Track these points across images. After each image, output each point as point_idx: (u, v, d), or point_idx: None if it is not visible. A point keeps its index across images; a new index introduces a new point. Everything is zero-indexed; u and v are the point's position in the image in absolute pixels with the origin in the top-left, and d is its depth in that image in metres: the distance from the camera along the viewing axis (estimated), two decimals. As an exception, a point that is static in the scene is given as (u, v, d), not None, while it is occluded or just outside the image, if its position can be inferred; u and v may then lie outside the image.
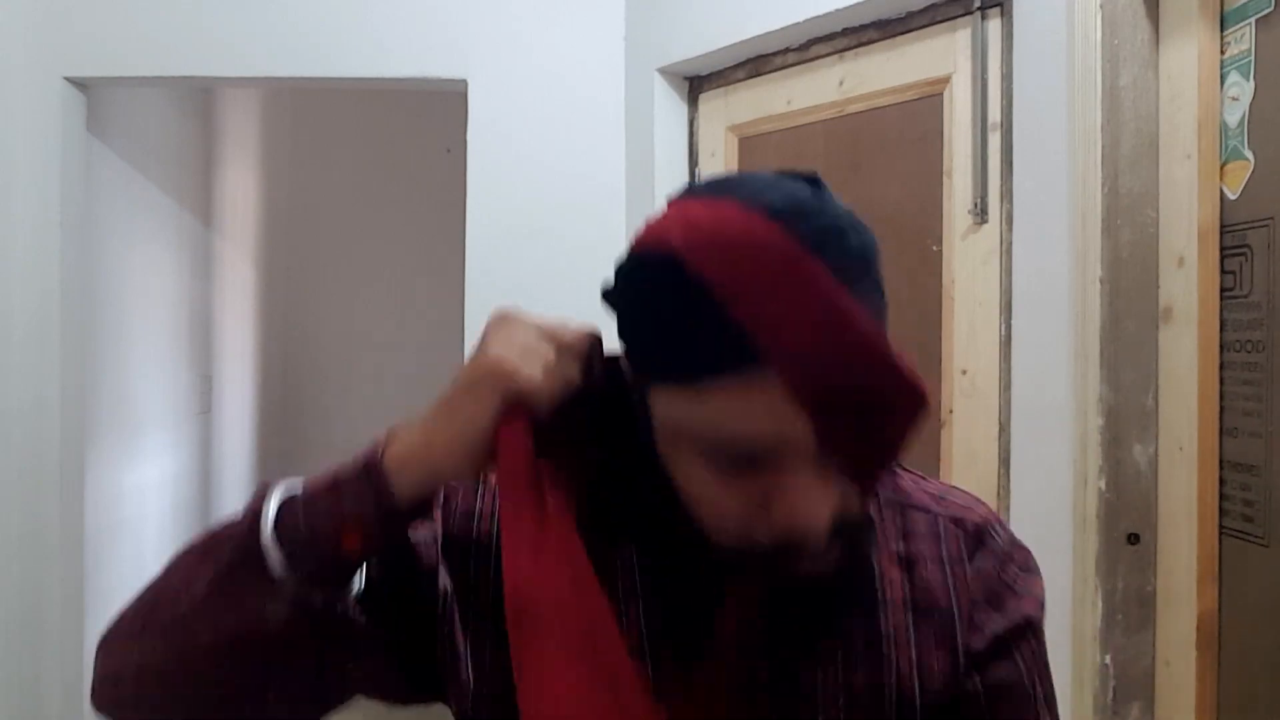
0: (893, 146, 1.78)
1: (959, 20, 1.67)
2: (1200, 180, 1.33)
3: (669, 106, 2.22)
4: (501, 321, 0.60)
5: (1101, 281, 1.38)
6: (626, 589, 0.62)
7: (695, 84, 2.22)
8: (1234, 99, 1.29)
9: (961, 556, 0.65)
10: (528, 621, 0.55)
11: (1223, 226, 1.31)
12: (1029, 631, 0.64)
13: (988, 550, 0.65)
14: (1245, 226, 1.27)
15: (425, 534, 0.66)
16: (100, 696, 0.62)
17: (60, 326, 2.35)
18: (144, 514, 3.08)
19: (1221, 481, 1.31)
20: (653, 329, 0.53)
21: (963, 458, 1.66)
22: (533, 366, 0.56)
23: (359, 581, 0.61)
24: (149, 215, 3.12)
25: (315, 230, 4.23)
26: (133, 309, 3.01)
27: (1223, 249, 1.31)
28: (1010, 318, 1.58)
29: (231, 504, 3.42)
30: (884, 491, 0.67)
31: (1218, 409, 1.31)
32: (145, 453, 3.12)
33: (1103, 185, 1.38)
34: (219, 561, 0.57)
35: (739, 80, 2.10)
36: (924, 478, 0.70)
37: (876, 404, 0.51)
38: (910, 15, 1.76)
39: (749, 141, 2.08)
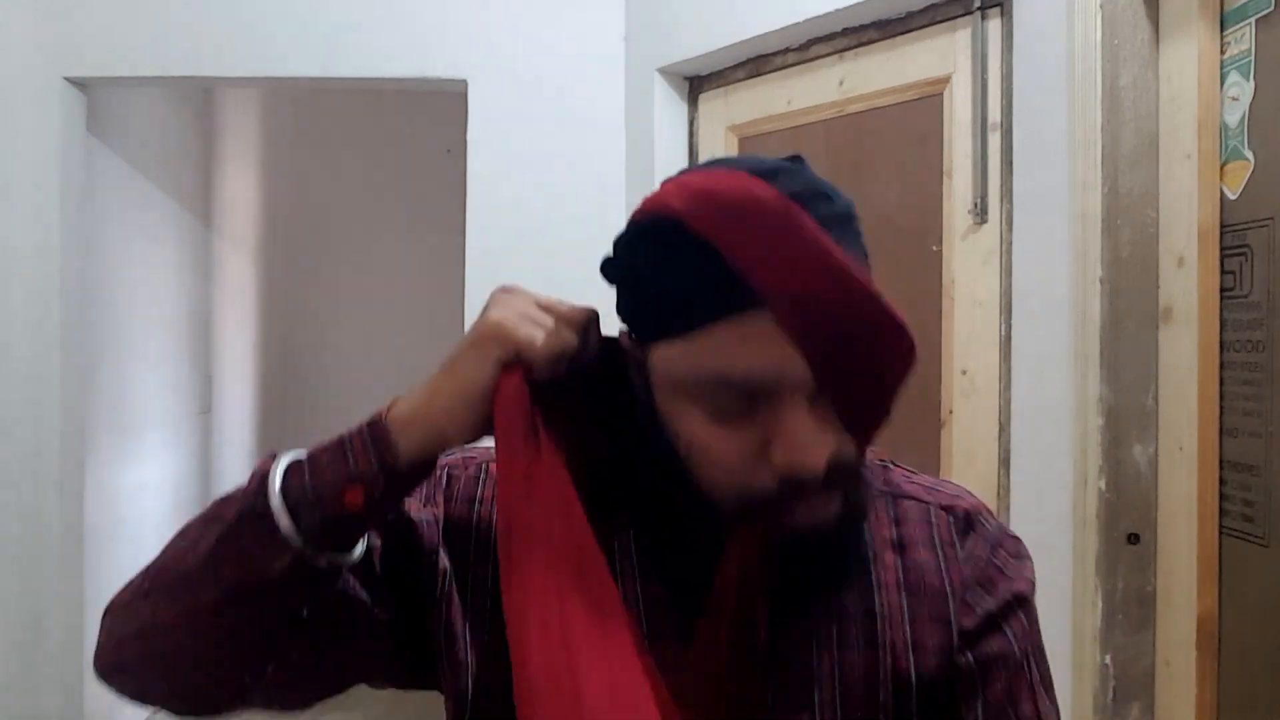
0: (893, 146, 1.78)
1: (959, 20, 1.67)
2: (1200, 180, 1.33)
3: (669, 106, 2.22)
4: (502, 292, 0.63)
5: (1101, 281, 1.38)
6: (625, 571, 0.64)
7: (695, 84, 2.22)
8: (1234, 99, 1.29)
9: (953, 540, 0.66)
10: (517, 533, 0.57)
11: (1223, 226, 1.31)
12: (1019, 606, 0.65)
13: (978, 535, 0.67)
14: (1245, 226, 1.27)
15: (428, 515, 0.68)
16: (102, 660, 0.63)
17: (60, 326, 2.35)
18: (144, 513, 3.08)
19: (1221, 481, 1.31)
20: (657, 285, 0.57)
21: (963, 458, 1.66)
22: (531, 330, 0.59)
23: (360, 547, 0.62)
24: (149, 215, 3.12)
25: (315, 230, 4.23)
26: (133, 309, 3.01)
27: (1223, 249, 1.31)
28: (1010, 318, 1.58)
29: (231, 504, 3.40)
30: (876, 484, 0.68)
31: (1218, 409, 1.31)
32: (145, 452, 3.12)
33: (1103, 185, 1.38)
34: (225, 521, 0.59)
35: (739, 80, 2.10)
36: (914, 472, 0.72)
37: (866, 340, 0.54)
38: (910, 15, 1.76)
39: (749, 141, 2.08)
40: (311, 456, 0.60)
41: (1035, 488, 1.51)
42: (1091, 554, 1.38)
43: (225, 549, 0.58)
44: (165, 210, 3.24)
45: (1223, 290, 1.31)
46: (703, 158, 2.18)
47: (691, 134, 2.23)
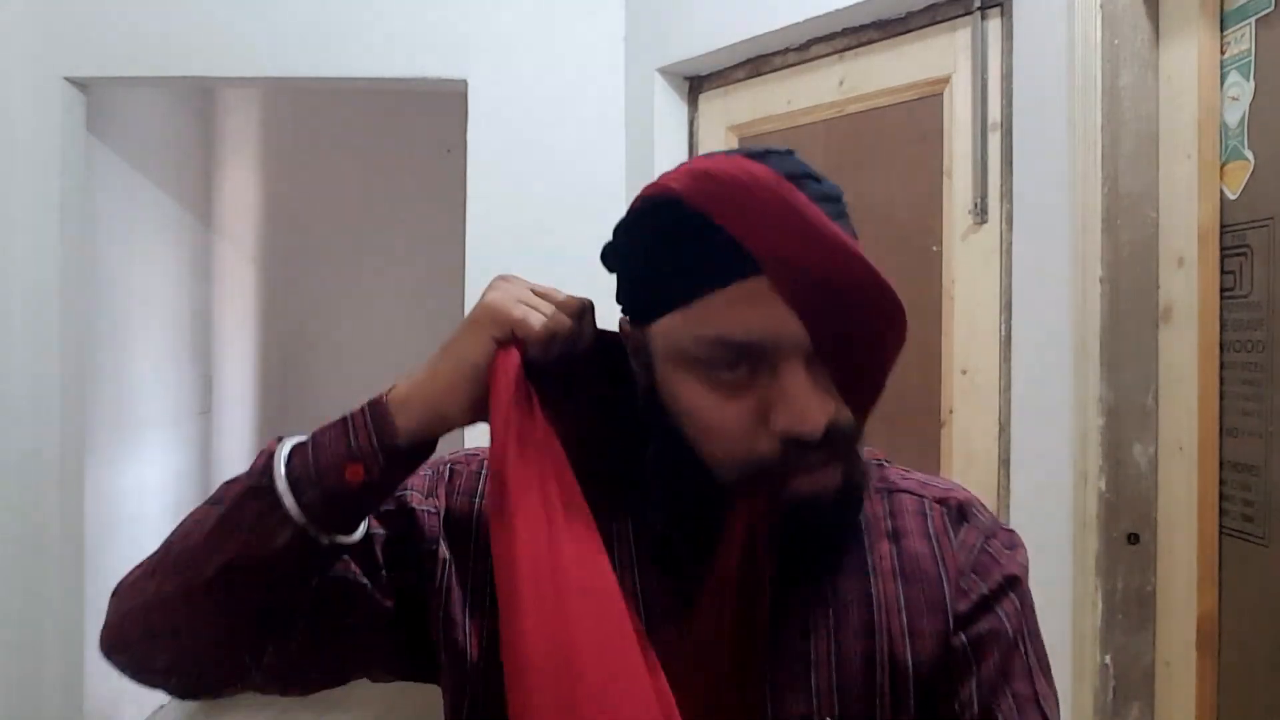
0: (893, 146, 1.78)
1: (959, 20, 1.67)
2: (1200, 180, 1.33)
3: (669, 106, 2.22)
4: (500, 279, 0.65)
5: (1101, 281, 1.38)
6: (623, 560, 0.65)
7: (695, 84, 2.22)
8: (1234, 99, 1.29)
9: (946, 529, 0.68)
10: (511, 478, 0.59)
11: (1223, 226, 1.31)
12: (1010, 588, 0.66)
13: (972, 525, 0.68)
14: (1245, 226, 1.27)
15: (429, 507, 0.69)
16: (106, 637, 0.64)
17: (60, 326, 2.35)
18: (144, 513, 3.09)
19: (1221, 481, 1.31)
20: (659, 260, 0.59)
21: (963, 458, 1.66)
22: (526, 311, 0.62)
23: (362, 530, 0.64)
24: (149, 215, 3.12)
25: (315, 230, 4.23)
26: (132, 309, 3.01)
27: (1223, 249, 1.31)
28: (1010, 318, 1.58)
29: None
30: (871, 480, 0.69)
31: (1218, 409, 1.31)
32: (145, 452, 3.12)
33: (1103, 185, 1.39)
34: (230, 498, 0.61)
35: (739, 80, 2.10)
36: (909, 471, 0.73)
37: (858, 305, 0.56)
38: (910, 15, 1.76)
39: (749, 141, 2.08)
40: (315, 435, 0.62)
41: (1035, 488, 1.51)
42: (1091, 554, 1.38)
43: (229, 523, 0.60)
44: (165, 210, 3.24)
45: (1223, 290, 1.31)
46: (703, 158, 2.18)
47: (691, 134, 2.23)
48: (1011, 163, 1.57)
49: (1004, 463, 1.59)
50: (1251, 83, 1.26)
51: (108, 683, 2.67)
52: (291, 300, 4.23)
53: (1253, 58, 1.26)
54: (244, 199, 3.94)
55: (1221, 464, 1.31)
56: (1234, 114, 1.29)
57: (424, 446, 0.63)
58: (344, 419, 0.62)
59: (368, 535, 0.66)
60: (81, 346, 2.47)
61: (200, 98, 3.48)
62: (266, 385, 4.12)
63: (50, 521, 2.34)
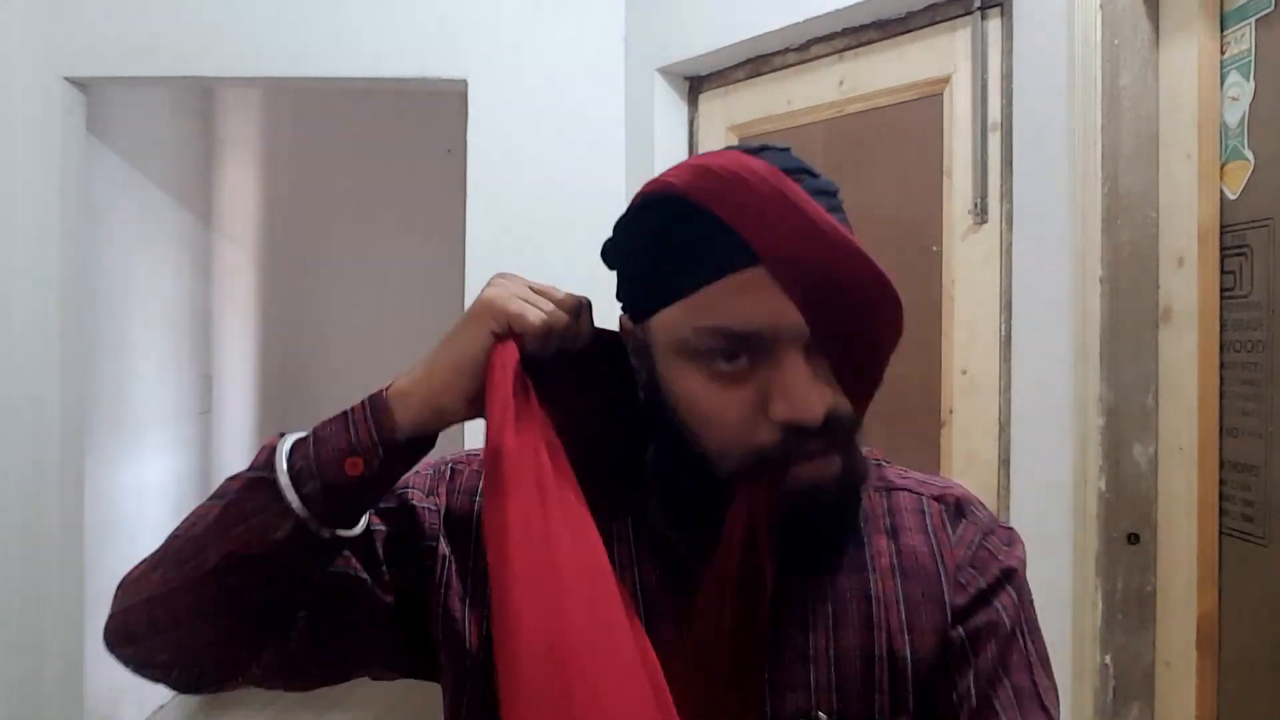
0: (893, 146, 1.78)
1: (959, 20, 1.67)
2: (1200, 180, 1.33)
3: (669, 106, 2.22)
4: (499, 276, 0.66)
5: (1101, 281, 1.38)
6: (623, 559, 0.65)
7: (695, 84, 2.22)
8: (1234, 99, 1.29)
9: (944, 525, 0.68)
10: (506, 457, 0.59)
11: (1223, 226, 1.31)
12: (1008, 581, 0.66)
13: (969, 522, 0.69)
14: (1245, 226, 1.27)
15: (430, 504, 0.70)
16: (110, 630, 0.64)
17: (60, 326, 2.35)
18: (143, 513, 3.09)
19: (1221, 481, 1.31)
20: (659, 253, 0.60)
21: (963, 458, 1.66)
22: (523, 306, 0.62)
23: (362, 524, 0.64)
24: (149, 215, 3.12)
25: (315, 230, 4.24)
26: (133, 309, 3.01)
27: (1223, 249, 1.31)
28: (1010, 318, 1.58)
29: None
30: (870, 479, 0.69)
31: (1218, 409, 1.31)
32: (145, 453, 3.12)
33: (1103, 185, 1.39)
34: (233, 491, 0.62)
35: (739, 80, 2.10)
36: (907, 470, 0.74)
37: (855, 295, 0.57)
38: (910, 15, 1.76)
39: (749, 141, 2.08)
40: (316, 429, 0.63)
41: (1035, 488, 1.51)
42: (1091, 554, 1.38)
43: (231, 515, 0.60)
44: (165, 210, 3.24)
45: (1223, 290, 1.31)
46: (703, 158, 2.18)
47: (691, 134, 2.23)
48: (1011, 163, 1.57)
49: (1004, 463, 1.59)
50: (1251, 83, 1.26)
51: (108, 682, 2.68)
52: (291, 300, 4.23)
53: (1253, 58, 1.26)
54: (244, 199, 3.94)
55: (1221, 464, 1.31)
56: (1234, 114, 1.29)
57: (423, 440, 0.63)
58: (344, 413, 0.63)
59: (368, 531, 0.66)
60: (81, 346, 2.47)
61: (200, 98, 3.48)
62: (266, 385, 4.12)
63: (50, 521, 2.34)
